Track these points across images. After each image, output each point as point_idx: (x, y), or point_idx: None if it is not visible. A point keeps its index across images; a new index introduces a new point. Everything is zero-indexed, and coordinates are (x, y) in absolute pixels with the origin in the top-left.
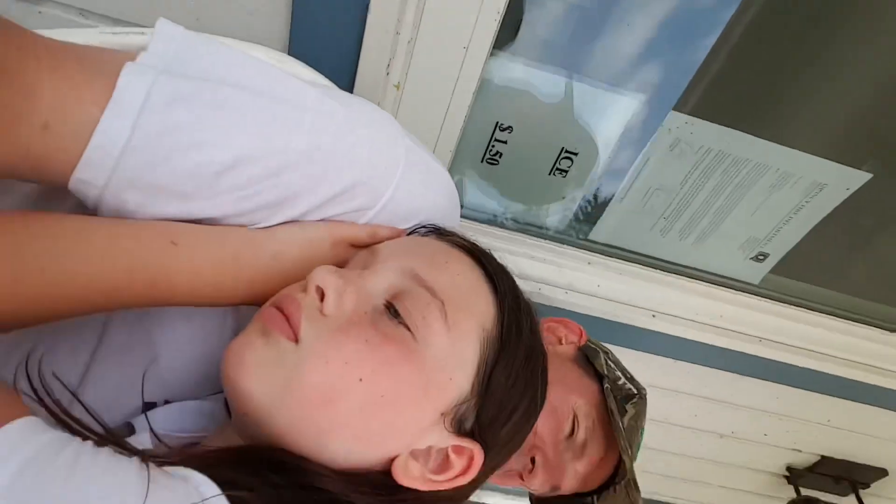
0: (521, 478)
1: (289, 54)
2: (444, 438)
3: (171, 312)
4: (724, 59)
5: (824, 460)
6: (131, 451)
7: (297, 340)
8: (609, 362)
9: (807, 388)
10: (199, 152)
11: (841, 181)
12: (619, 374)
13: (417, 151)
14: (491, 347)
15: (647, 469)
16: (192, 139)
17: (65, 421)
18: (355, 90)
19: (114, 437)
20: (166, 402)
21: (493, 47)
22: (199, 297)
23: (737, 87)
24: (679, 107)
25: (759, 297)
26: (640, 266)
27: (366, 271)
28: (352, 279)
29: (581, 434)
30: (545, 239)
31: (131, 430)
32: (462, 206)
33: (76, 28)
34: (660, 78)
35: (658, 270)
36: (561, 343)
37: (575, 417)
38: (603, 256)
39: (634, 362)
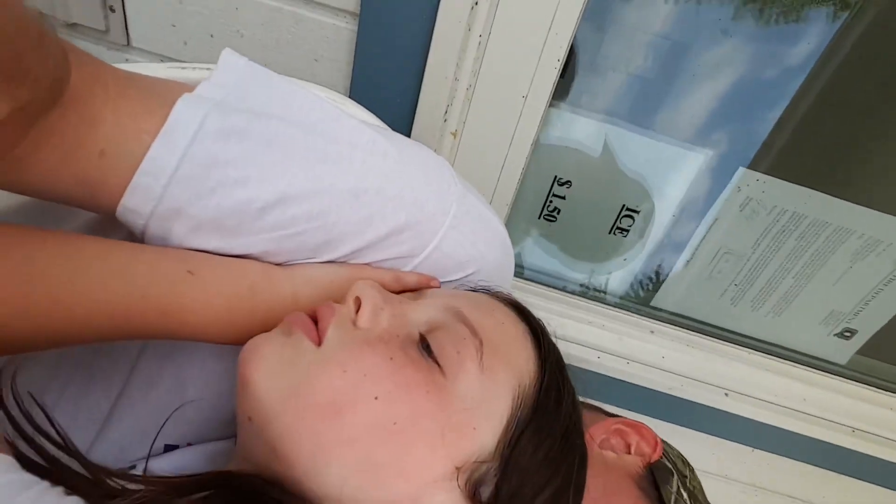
0: None
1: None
2: (457, 502)
3: (202, 349)
4: (800, 117)
5: None
6: (99, 501)
7: (319, 343)
8: (682, 490)
9: None
10: (244, 188)
11: None
12: None
13: (470, 199)
14: (525, 408)
15: None
16: (238, 174)
17: (40, 459)
18: (412, 136)
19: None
20: (189, 444)
21: (553, 98)
22: (212, 331)
23: (813, 146)
24: (751, 165)
25: (848, 380)
26: (709, 338)
27: (409, 301)
28: (393, 301)
29: None
30: (604, 304)
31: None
32: (523, 268)
33: (148, 64)
34: (730, 136)
35: (730, 344)
36: (629, 452)
37: None
38: (668, 325)
39: (706, 448)
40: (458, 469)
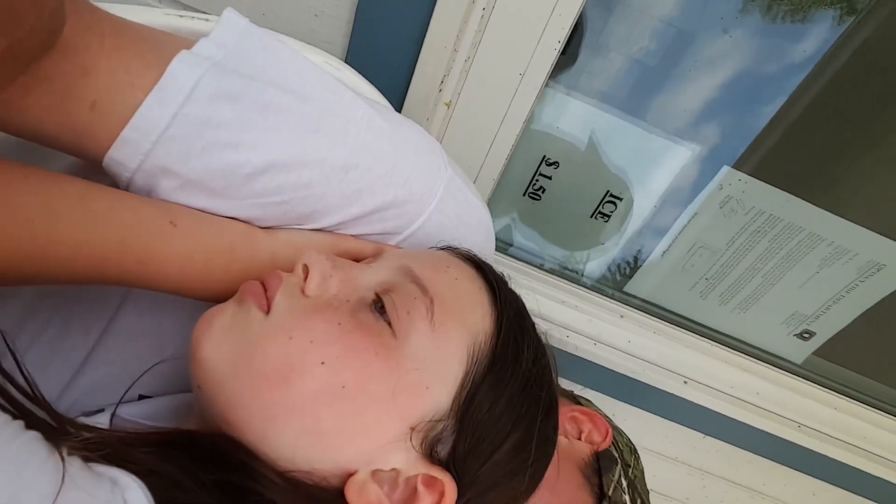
0: None
1: (345, 60)
2: (413, 463)
3: (182, 306)
4: (790, 122)
5: None
6: (57, 438)
7: (268, 312)
8: (623, 479)
9: (849, 489)
10: (234, 152)
11: None
12: (626, 498)
13: (458, 183)
14: (480, 364)
15: None
16: (230, 138)
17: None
18: (406, 103)
19: (45, 419)
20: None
21: (549, 79)
22: (189, 284)
23: (798, 152)
24: (735, 165)
25: (801, 379)
26: (676, 327)
27: (361, 264)
28: (343, 266)
29: None
30: (579, 286)
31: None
32: (506, 244)
33: (145, 7)
34: (719, 133)
35: (694, 334)
36: (580, 438)
37: None
38: (637, 311)
39: (660, 431)
40: (412, 429)
